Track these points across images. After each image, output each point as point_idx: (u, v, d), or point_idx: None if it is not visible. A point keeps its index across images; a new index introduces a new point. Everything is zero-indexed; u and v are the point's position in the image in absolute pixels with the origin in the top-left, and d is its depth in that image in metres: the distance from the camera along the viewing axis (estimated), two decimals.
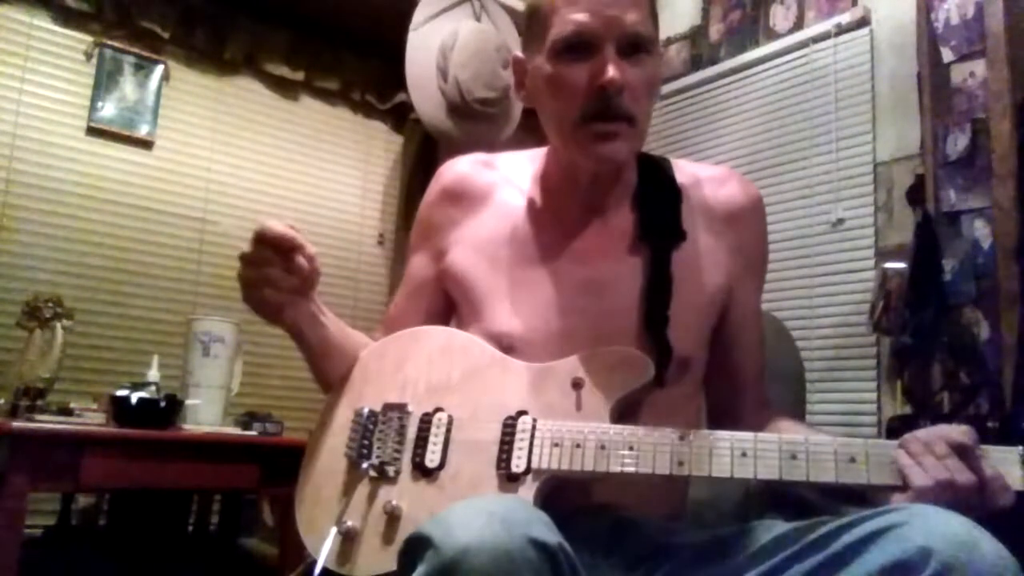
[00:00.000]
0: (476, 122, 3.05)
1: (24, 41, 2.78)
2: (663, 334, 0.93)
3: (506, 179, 1.07)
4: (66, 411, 1.94)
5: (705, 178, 1.05)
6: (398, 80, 3.06)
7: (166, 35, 2.99)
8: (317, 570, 0.84)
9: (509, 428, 0.87)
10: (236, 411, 2.29)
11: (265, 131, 3.28)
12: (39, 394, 2.00)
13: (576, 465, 0.83)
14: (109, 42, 2.91)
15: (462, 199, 1.07)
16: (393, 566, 0.76)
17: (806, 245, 2.50)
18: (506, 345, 0.95)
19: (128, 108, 2.94)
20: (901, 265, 2.18)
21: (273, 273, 0.90)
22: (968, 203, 2.12)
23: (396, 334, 1.02)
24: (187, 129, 3.08)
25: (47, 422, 1.83)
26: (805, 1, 2.66)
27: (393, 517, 0.85)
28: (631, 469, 0.82)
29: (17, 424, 1.75)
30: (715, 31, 2.95)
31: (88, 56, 2.88)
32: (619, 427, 0.85)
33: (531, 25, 0.99)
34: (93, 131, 2.87)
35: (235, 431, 2.12)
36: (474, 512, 0.67)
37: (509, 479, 0.84)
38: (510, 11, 3.14)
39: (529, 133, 1.72)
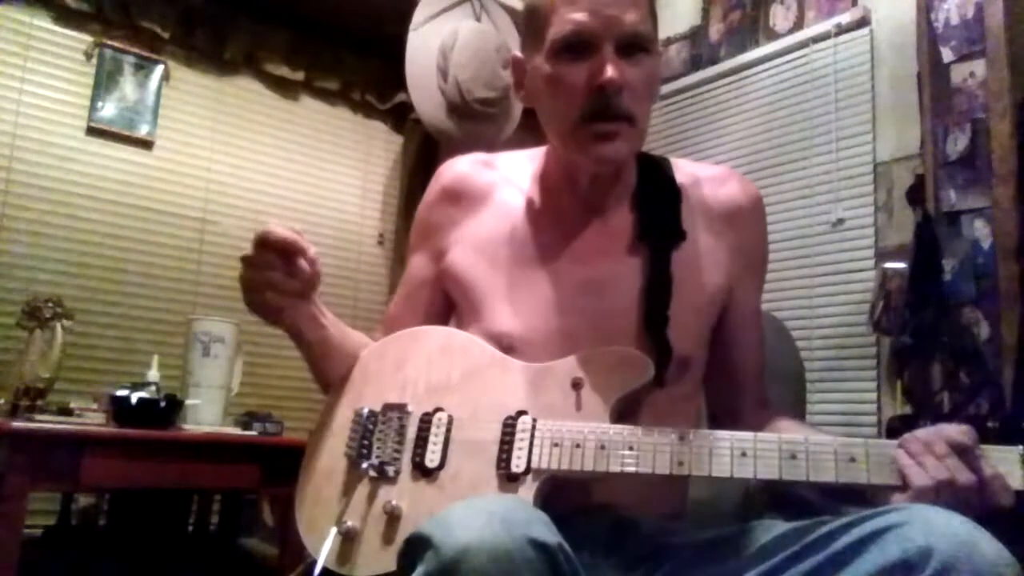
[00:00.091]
0: (476, 122, 3.05)
1: (24, 41, 2.78)
2: (663, 334, 0.93)
3: (506, 179, 1.07)
4: (66, 411, 1.94)
5: (705, 178, 1.05)
6: (398, 80, 3.06)
7: (166, 35, 2.99)
8: (317, 570, 0.84)
9: (509, 428, 0.87)
10: (236, 411, 2.30)
11: (265, 131, 3.28)
12: (39, 394, 2.00)
13: (576, 465, 0.83)
14: (109, 42, 2.91)
15: (462, 199, 1.06)
16: (393, 566, 0.76)
17: (806, 245, 2.50)
18: (506, 345, 0.95)
19: (128, 108, 2.94)
20: (901, 265, 2.18)
21: (275, 276, 0.90)
22: (968, 203, 2.12)
23: (396, 334, 1.02)
24: (187, 129, 3.08)
25: (47, 422, 1.83)
26: (805, 1, 2.66)
27: (393, 517, 0.85)
28: (631, 469, 0.82)
29: (17, 424, 1.76)
30: (715, 31, 2.95)
31: (88, 56, 2.88)
32: (619, 427, 0.85)
33: (530, 25, 0.99)
34: (93, 131, 2.87)
35: (235, 431, 2.12)
36: (474, 512, 0.67)
37: (509, 479, 0.84)
38: (510, 11, 3.14)
39: (529, 133, 1.71)
